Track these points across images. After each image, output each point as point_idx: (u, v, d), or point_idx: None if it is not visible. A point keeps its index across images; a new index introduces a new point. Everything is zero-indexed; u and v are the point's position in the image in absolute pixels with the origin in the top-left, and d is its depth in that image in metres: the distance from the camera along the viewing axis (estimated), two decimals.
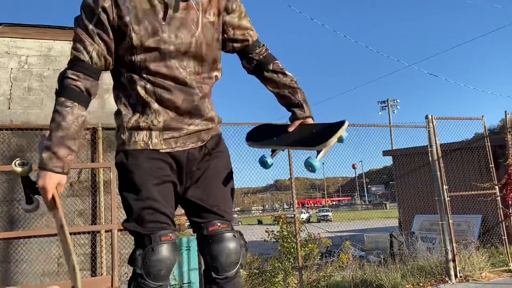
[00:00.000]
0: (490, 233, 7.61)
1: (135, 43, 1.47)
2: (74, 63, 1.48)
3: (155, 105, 1.53)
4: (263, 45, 1.74)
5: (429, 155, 6.10)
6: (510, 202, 5.96)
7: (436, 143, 6.10)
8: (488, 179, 6.42)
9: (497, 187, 6.33)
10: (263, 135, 1.77)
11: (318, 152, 1.57)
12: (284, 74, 1.72)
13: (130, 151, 1.56)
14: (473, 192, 6.51)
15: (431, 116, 6.17)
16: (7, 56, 6.09)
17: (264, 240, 7.69)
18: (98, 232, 5.59)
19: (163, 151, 1.55)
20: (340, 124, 1.61)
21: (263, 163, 1.67)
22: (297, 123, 1.70)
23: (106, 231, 5.48)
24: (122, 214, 5.86)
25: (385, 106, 43.98)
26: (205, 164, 1.64)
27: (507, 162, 6.08)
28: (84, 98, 1.50)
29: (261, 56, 1.72)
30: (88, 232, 5.69)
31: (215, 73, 1.66)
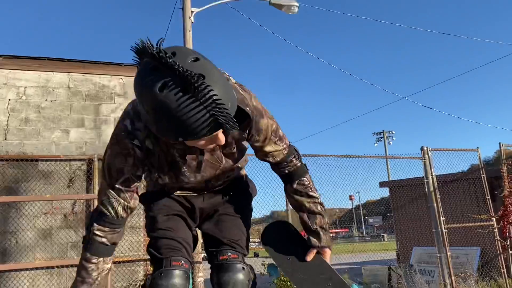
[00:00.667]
0: (489, 265, 7.51)
1: (160, 182, 1.59)
2: (100, 216, 1.50)
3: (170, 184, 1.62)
4: (291, 161, 1.65)
5: (426, 186, 6.10)
6: (507, 234, 5.92)
7: (432, 175, 6.11)
8: (485, 211, 6.41)
9: (494, 219, 6.31)
10: (278, 239, 1.75)
11: None
12: (308, 196, 1.66)
13: (153, 191, 1.71)
14: (470, 224, 6.48)
15: (426, 147, 6.21)
16: (5, 88, 6.13)
17: (261, 273, 7.55)
18: None
19: (176, 194, 1.68)
20: None
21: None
22: (313, 252, 1.67)
23: None
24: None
25: (381, 138, 44.22)
26: (225, 199, 1.74)
27: (503, 193, 6.08)
28: (110, 251, 1.55)
29: (286, 171, 1.66)
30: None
31: (238, 164, 1.66)
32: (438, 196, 5.97)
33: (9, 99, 6.11)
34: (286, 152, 1.64)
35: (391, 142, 44.22)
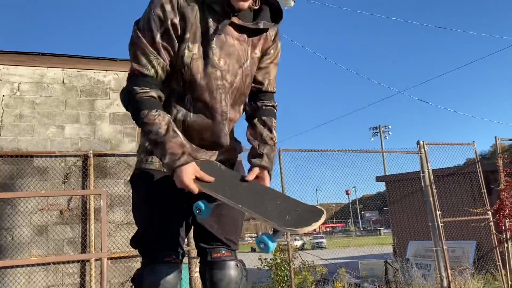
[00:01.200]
0: (485, 259, 7.55)
1: (185, 61, 1.44)
2: (139, 77, 1.42)
3: (178, 131, 1.47)
4: (275, 102, 1.71)
5: (422, 180, 6.10)
6: (503, 227, 5.94)
7: (428, 169, 6.11)
8: (481, 205, 6.43)
9: (490, 212, 6.33)
10: (212, 175, 1.47)
11: (275, 231, 1.38)
12: (270, 130, 1.65)
13: (145, 170, 1.56)
14: (466, 218, 6.50)
15: (423, 142, 6.21)
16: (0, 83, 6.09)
17: (258, 268, 7.57)
18: (88, 261, 5.48)
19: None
20: (319, 214, 1.34)
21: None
22: (254, 171, 1.56)
23: (96, 260, 5.37)
24: (112, 242, 5.76)
25: (377, 132, 44.28)
26: None
27: (499, 187, 6.10)
28: (161, 105, 1.45)
29: (263, 107, 1.67)
30: (78, 261, 5.57)
31: (242, 108, 1.67)
32: (434, 190, 5.98)
33: (3, 95, 6.06)
34: (274, 91, 1.70)
35: (387, 137, 44.32)
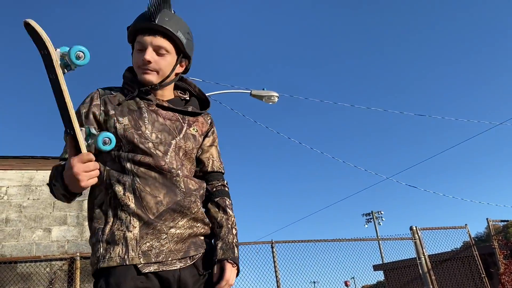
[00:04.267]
0: None
1: (119, 132, 1.49)
2: (60, 160, 1.54)
3: (131, 206, 1.41)
4: (224, 180, 1.71)
5: (419, 267, 5.95)
6: None
7: (424, 255, 5.99)
8: None
9: None
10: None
11: None
12: (224, 211, 1.60)
13: (104, 269, 1.36)
14: None
15: (415, 227, 6.17)
16: None
17: None
18: None
19: (145, 270, 1.35)
20: None
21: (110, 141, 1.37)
22: (214, 270, 1.49)
23: None
24: None
25: (370, 219, 43.82)
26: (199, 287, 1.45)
27: (500, 271, 5.95)
28: None
29: (214, 189, 1.65)
30: None
31: (203, 183, 1.62)
32: (433, 277, 5.81)
33: None
34: (223, 171, 1.73)
35: (381, 223, 43.78)
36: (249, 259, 6.65)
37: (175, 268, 1.40)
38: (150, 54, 1.53)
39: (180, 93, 1.73)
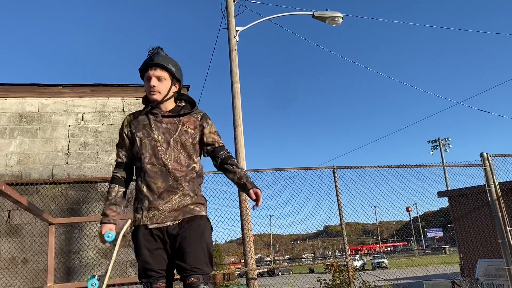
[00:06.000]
0: None
1: (137, 143, 2.45)
2: (115, 163, 2.56)
3: (144, 190, 2.37)
4: (226, 149, 2.61)
5: (488, 194, 5.77)
6: None
7: (494, 182, 5.78)
8: None
9: None
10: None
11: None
12: (237, 166, 2.57)
13: (135, 227, 2.42)
14: None
15: (486, 154, 5.90)
16: (66, 114, 6.50)
17: None
18: None
19: (150, 226, 2.34)
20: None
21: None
22: (252, 192, 2.46)
23: None
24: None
25: (437, 146, 42.47)
26: (181, 234, 2.31)
27: None
28: (121, 181, 2.53)
29: (223, 156, 2.57)
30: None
31: (193, 164, 2.47)
32: (503, 204, 5.62)
33: (69, 125, 6.46)
34: (223, 144, 2.63)
35: (447, 150, 42.36)
36: (311, 184, 6.77)
37: (166, 225, 2.34)
38: (154, 82, 2.44)
39: (179, 102, 2.59)
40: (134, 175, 2.53)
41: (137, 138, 2.45)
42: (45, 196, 5.98)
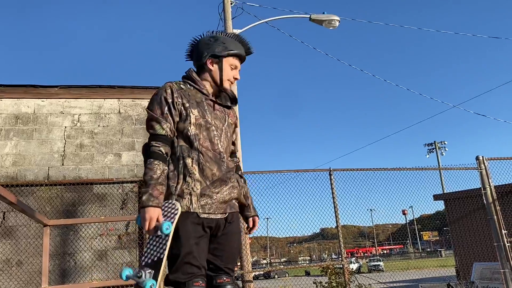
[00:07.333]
0: None
1: (192, 121, 2.17)
2: (155, 135, 2.12)
3: (196, 175, 2.11)
4: (237, 158, 2.49)
5: (484, 198, 5.79)
6: None
7: (489, 185, 5.80)
8: None
9: None
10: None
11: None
12: (245, 181, 2.44)
13: (181, 214, 2.07)
14: None
15: (482, 157, 5.92)
16: (62, 116, 6.48)
17: None
18: None
19: (201, 216, 2.08)
20: None
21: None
22: (250, 221, 2.41)
23: None
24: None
25: (433, 149, 42.62)
26: (225, 230, 2.19)
27: None
28: (164, 158, 2.10)
29: (236, 164, 2.42)
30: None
31: (235, 158, 2.43)
32: (498, 207, 5.64)
33: (65, 127, 6.44)
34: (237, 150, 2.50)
35: (443, 153, 42.52)
36: (307, 187, 6.77)
37: (217, 218, 2.14)
38: (238, 74, 2.36)
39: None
40: (176, 153, 2.15)
41: (191, 114, 2.17)
42: (40, 197, 5.96)
